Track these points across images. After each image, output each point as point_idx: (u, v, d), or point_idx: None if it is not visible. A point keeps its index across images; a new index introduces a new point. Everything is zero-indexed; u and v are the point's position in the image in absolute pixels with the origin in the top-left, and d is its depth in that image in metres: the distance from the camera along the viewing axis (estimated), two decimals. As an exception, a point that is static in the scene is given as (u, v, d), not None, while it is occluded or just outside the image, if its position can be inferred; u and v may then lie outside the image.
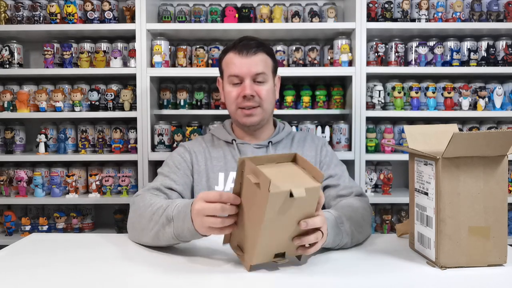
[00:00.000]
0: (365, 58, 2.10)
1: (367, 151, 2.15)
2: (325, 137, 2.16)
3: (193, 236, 0.97)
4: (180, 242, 1.01)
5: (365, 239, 1.16)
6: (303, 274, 0.89)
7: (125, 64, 2.22)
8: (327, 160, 1.39)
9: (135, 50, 2.12)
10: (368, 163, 2.23)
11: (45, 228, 2.19)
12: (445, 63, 2.22)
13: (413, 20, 2.21)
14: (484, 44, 2.21)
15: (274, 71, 1.37)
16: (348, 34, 2.19)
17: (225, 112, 2.04)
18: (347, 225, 1.06)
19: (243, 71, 1.28)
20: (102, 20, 2.20)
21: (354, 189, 1.32)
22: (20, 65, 2.25)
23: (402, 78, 2.29)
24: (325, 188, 1.35)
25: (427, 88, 2.18)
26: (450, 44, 2.24)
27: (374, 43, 2.21)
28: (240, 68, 1.29)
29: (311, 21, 2.18)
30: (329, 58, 2.24)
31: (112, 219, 2.22)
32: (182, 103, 2.23)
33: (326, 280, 0.86)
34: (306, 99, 2.22)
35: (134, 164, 2.20)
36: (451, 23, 2.16)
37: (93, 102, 2.21)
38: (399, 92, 2.16)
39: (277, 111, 2.19)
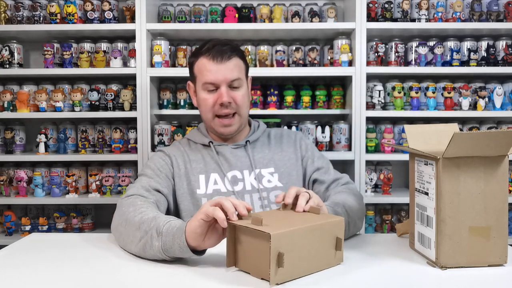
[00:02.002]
0: (365, 58, 2.10)
1: (367, 151, 2.15)
2: (325, 137, 2.16)
3: (183, 252, 0.93)
4: (167, 259, 0.96)
5: (355, 227, 1.21)
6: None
7: (125, 64, 2.22)
8: (309, 154, 1.40)
9: (135, 50, 2.12)
10: (368, 163, 2.23)
11: (45, 228, 2.19)
12: (445, 63, 2.22)
13: (413, 20, 2.21)
14: (484, 44, 2.21)
15: (247, 74, 1.37)
16: (348, 34, 2.19)
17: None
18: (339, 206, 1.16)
19: (219, 78, 1.26)
20: (102, 20, 2.20)
21: (340, 180, 1.36)
22: (20, 65, 2.25)
23: (402, 78, 2.29)
24: (314, 182, 1.37)
25: (427, 88, 2.18)
26: (450, 44, 2.24)
27: (374, 43, 2.21)
28: (215, 75, 1.26)
29: (311, 21, 2.18)
30: (329, 58, 2.24)
31: (112, 219, 2.22)
32: (182, 103, 2.23)
33: (326, 280, 0.86)
34: (306, 99, 2.22)
35: (134, 164, 2.20)
36: (451, 23, 2.16)
37: (93, 102, 2.21)
38: (399, 92, 2.16)
39: (277, 111, 2.19)
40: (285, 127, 2.18)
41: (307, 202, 1.00)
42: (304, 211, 0.98)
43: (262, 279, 0.85)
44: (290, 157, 1.38)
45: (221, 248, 0.94)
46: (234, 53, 1.29)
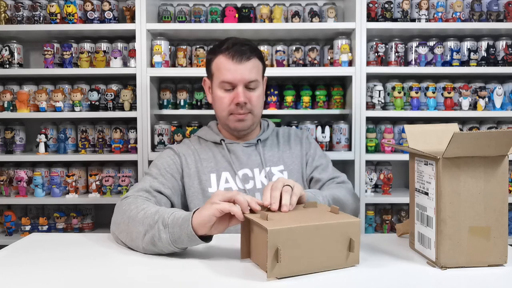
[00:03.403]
0: (365, 58, 2.10)
1: (367, 151, 2.15)
2: (325, 137, 2.16)
3: (191, 241, 0.95)
4: (177, 250, 0.99)
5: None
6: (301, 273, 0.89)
7: (125, 64, 2.22)
8: (311, 152, 1.42)
9: (135, 50, 2.12)
10: (368, 163, 2.23)
11: (45, 228, 2.19)
12: (445, 63, 2.22)
13: (413, 20, 2.21)
14: (484, 44, 2.21)
15: (263, 74, 1.38)
16: (348, 34, 2.19)
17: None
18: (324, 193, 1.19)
19: (237, 78, 1.27)
20: (102, 20, 2.20)
21: (336, 179, 1.38)
22: (20, 65, 2.25)
23: (402, 78, 2.29)
24: (310, 180, 1.40)
25: (427, 88, 2.18)
26: (450, 44, 2.24)
27: (374, 43, 2.21)
28: (233, 75, 1.27)
29: (311, 21, 2.18)
30: (329, 58, 2.24)
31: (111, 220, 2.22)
32: (182, 103, 2.23)
33: (324, 279, 0.86)
34: (306, 99, 2.22)
35: (134, 164, 2.20)
36: (451, 23, 2.16)
37: (93, 102, 2.21)
38: (399, 92, 2.16)
39: (277, 111, 2.19)
40: (285, 127, 2.18)
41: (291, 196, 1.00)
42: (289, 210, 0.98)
43: (266, 272, 0.86)
44: (297, 154, 1.40)
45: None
46: (253, 53, 1.30)
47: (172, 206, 1.28)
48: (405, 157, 2.12)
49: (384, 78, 2.30)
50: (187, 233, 0.94)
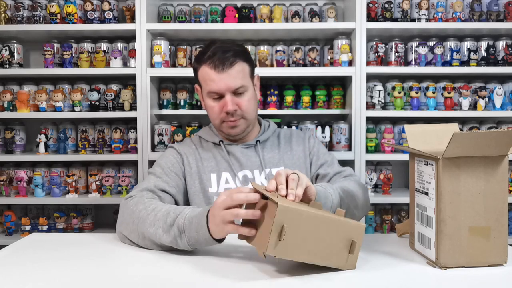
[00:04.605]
0: (365, 58, 2.10)
1: (367, 151, 2.15)
2: (325, 137, 2.16)
3: (208, 243, 0.98)
4: (194, 249, 1.02)
5: (363, 211, 1.29)
6: (301, 274, 0.88)
7: (125, 64, 2.22)
8: (315, 151, 1.42)
9: (135, 50, 2.12)
10: (368, 163, 2.23)
11: (45, 228, 2.19)
12: (445, 63, 2.22)
13: (413, 20, 2.21)
14: (484, 44, 2.21)
15: (252, 75, 1.35)
16: (348, 34, 2.19)
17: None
18: (334, 187, 1.16)
19: (222, 87, 1.26)
20: (102, 20, 2.20)
21: (343, 173, 1.37)
22: (20, 65, 2.25)
23: (402, 78, 2.29)
24: (317, 177, 1.39)
25: (427, 88, 2.18)
26: (450, 44, 2.24)
27: (374, 43, 2.21)
28: (218, 85, 1.26)
29: (311, 21, 2.18)
30: (329, 58, 2.24)
31: (112, 219, 2.22)
32: (182, 103, 2.23)
33: (326, 280, 0.86)
34: (306, 99, 2.22)
35: (134, 164, 2.20)
36: (451, 23, 2.16)
37: (93, 102, 2.21)
38: (399, 92, 2.16)
39: (277, 111, 2.19)
40: (285, 127, 2.18)
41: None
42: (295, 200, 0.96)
43: (263, 254, 0.85)
44: (299, 156, 1.39)
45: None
46: (236, 58, 1.27)
47: (176, 204, 1.28)
48: (405, 157, 2.12)
49: (384, 78, 2.30)
50: (205, 238, 0.97)
